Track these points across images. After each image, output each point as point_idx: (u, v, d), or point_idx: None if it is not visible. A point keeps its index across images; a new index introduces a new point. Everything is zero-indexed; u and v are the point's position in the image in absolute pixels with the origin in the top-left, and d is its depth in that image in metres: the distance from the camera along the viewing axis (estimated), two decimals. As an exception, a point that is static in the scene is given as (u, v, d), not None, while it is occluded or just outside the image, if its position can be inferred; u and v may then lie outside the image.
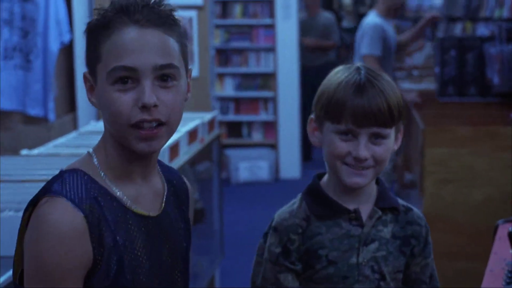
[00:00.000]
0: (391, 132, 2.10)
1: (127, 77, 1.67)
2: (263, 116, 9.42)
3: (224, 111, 9.40)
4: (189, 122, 4.60)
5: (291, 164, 9.15)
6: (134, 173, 1.75)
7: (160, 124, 1.69)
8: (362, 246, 2.12)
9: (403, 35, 6.99)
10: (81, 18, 5.37)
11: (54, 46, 5.02)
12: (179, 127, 4.27)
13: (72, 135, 4.22)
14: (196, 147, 4.58)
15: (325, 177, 2.19)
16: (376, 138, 2.08)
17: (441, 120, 5.45)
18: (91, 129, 4.38)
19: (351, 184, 2.09)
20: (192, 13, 5.46)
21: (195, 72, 5.46)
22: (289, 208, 2.16)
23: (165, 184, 1.84)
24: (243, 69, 9.49)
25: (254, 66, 9.46)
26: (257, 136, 9.51)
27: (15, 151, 4.13)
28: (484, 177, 5.01)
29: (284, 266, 2.11)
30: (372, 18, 6.30)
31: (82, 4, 5.46)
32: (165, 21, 1.71)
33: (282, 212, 2.16)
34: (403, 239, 2.17)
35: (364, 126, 2.06)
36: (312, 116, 2.16)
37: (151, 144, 1.69)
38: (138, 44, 1.67)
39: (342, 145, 2.08)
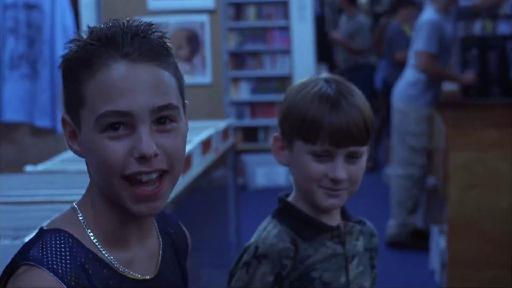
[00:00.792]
0: (365, 149, 1.98)
1: (119, 123, 1.40)
2: (279, 120, 9.21)
3: (239, 116, 9.25)
4: (202, 131, 4.42)
5: (309, 169, 8.93)
6: (129, 236, 1.50)
7: (163, 173, 1.43)
8: (348, 264, 2.02)
9: None
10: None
11: (62, 55, 4.85)
12: (191, 137, 4.15)
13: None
14: (211, 157, 4.40)
15: (292, 197, 2.04)
16: (352, 157, 1.95)
17: (465, 123, 5.28)
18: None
19: (326, 206, 1.97)
20: (204, 17, 5.28)
21: (207, 79, 5.29)
22: (269, 233, 1.98)
23: (160, 241, 1.60)
24: (258, 73, 9.33)
25: (270, 69, 9.31)
26: (273, 140, 9.32)
27: (22, 165, 3.96)
28: (510, 182, 4.85)
29: None
30: (429, 14, 6.05)
31: (90, 11, 5.30)
32: (159, 52, 1.44)
33: (264, 238, 1.97)
34: (370, 252, 2.11)
35: (342, 146, 1.93)
36: (276, 134, 2.01)
37: (153, 205, 1.44)
38: (130, 83, 1.40)
39: (318, 167, 1.94)
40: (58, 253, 1.40)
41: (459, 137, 4.97)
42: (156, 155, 1.41)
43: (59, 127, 4.81)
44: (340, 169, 1.92)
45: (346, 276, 2.01)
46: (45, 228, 1.46)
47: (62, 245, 1.41)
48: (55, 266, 1.38)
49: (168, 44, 1.47)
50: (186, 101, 1.53)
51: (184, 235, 1.71)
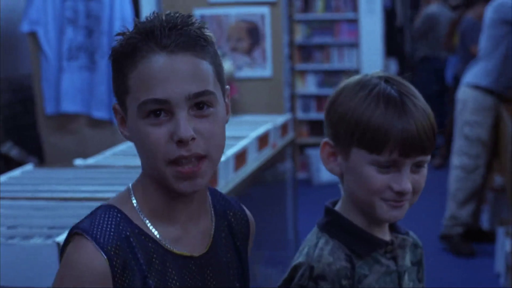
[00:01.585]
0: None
1: (160, 110, 1.52)
2: (346, 114, 9.10)
3: (305, 109, 9.16)
4: (260, 126, 4.33)
5: (375, 164, 8.80)
6: (177, 214, 1.61)
7: (201, 158, 1.54)
8: (402, 281, 1.85)
9: None
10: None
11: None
12: (247, 132, 4.06)
13: (135, 141, 3.97)
14: (268, 153, 4.31)
15: (342, 207, 1.86)
16: (417, 166, 1.77)
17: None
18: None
19: (388, 219, 1.79)
20: (265, 10, 5.17)
21: (268, 72, 5.19)
22: (323, 250, 1.79)
23: (213, 221, 1.69)
24: (326, 66, 9.24)
25: (337, 62, 9.19)
26: (340, 135, 9.21)
27: (80, 156, 3.93)
28: None
29: None
30: None
31: (150, 2, 5.24)
32: (196, 42, 1.54)
33: (318, 256, 1.78)
34: (417, 265, 1.94)
35: (411, 156, 1.73)
36: (327, 139, 1.82)
37: (194, 182, 1.54)
38: (168, 73, 1.51)
39: (382, 178, 1.74)
40: (104, 225, 1.53)
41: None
42: (193, 138, 1.51)
43: (116, 119, 4.78)
44: (407, 181, 1.74)
45: None
46: (100, 205, 1.61)
47: (109, 219, 1.55)
48: (98, 236, 1.51)
49: (207, 34, 1.57)
50: (227, 87, 1.63)
51: (245, 219, 1.78)
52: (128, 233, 1.54)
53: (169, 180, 1.53)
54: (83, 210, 2.43)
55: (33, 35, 4.85)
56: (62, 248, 1.58)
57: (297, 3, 9.09)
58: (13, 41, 5.35)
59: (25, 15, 4.82)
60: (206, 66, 1.54)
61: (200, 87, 1.52)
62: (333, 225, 1.83)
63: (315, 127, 9.22)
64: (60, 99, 4.83)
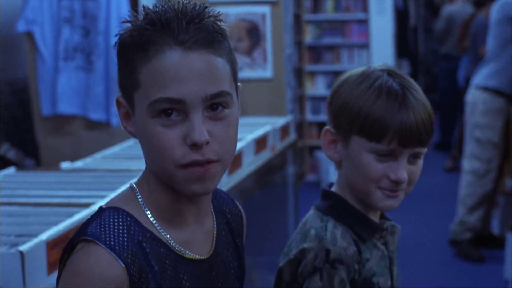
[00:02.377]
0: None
1: (172, 109, 1.42)
2: (356, 116, 9.02)
3: (315, 111, 9.08)
4: (258, 128, 4.21)
5: (385, 167, 8.72)
6: (185, 215, 1.53)
7: (213, 161, 1.45)
8: (392, 266, 1.92)
9: None
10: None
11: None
12: (245, 134, 3.94)
13: (129, 143, 3.87)
14: (266, 156, 4.19)
15: (339, 192, 1.90)
16: (414, 157, 1.84)
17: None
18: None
19: (384, 208, 1.86)
20: (265, 9, 5.06)
21: (268, 73, 5.08)
22: (335, 234, 1.82)
23: (214, 220, 1.62)
24: (336, 67, 9.13)
25: (347, 63, 9.09)
26: (349, 137, 9.14)
27: (76, 158, 3.83)
28: None
29: None
30: None
31: (148, 1, 5.15)
32: (213, 38, 1.44)
33: (331, 239, 1.80)
34: (396, 252, 2.00)
35: (410, 146, 1.81)
36: (328, 127, 1.88)
37: (206, 184, 1.46)
38: (184, 71, 1.41)
39: (379, 167, 1.81)
40: (116, 230, 1.43)
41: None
42: (207, 142, 1.42)
43: (114, 120, 4.70)
44: (403, 170, 1.80)
45: (391, 280, 1.91)
46: (104, 207, 1.49)
47: (120, 223, 1.45)
48: (112, 243, 1.40)
49: (223, 27, 1.48)
50: (239, 84, 1.55)
51: (239, 215, 1.72)
52: (140, 238, 1.45)
53: (179, 183, 1.45)
54: (56, 217, 2.34)
55: (29, 35, 4.79)
56: (64, 257, 1.45)
57: (307, 3, 9.00)
58: (12, 43, 5.30)
59: (21, 14, 4.75)
60: (222, 64, 1.45)
61: (216, 87, 1.43)
62: (337, 208, 1.86)
63: (324, 129, 9.13)
64: (57, 101, 4.76)
